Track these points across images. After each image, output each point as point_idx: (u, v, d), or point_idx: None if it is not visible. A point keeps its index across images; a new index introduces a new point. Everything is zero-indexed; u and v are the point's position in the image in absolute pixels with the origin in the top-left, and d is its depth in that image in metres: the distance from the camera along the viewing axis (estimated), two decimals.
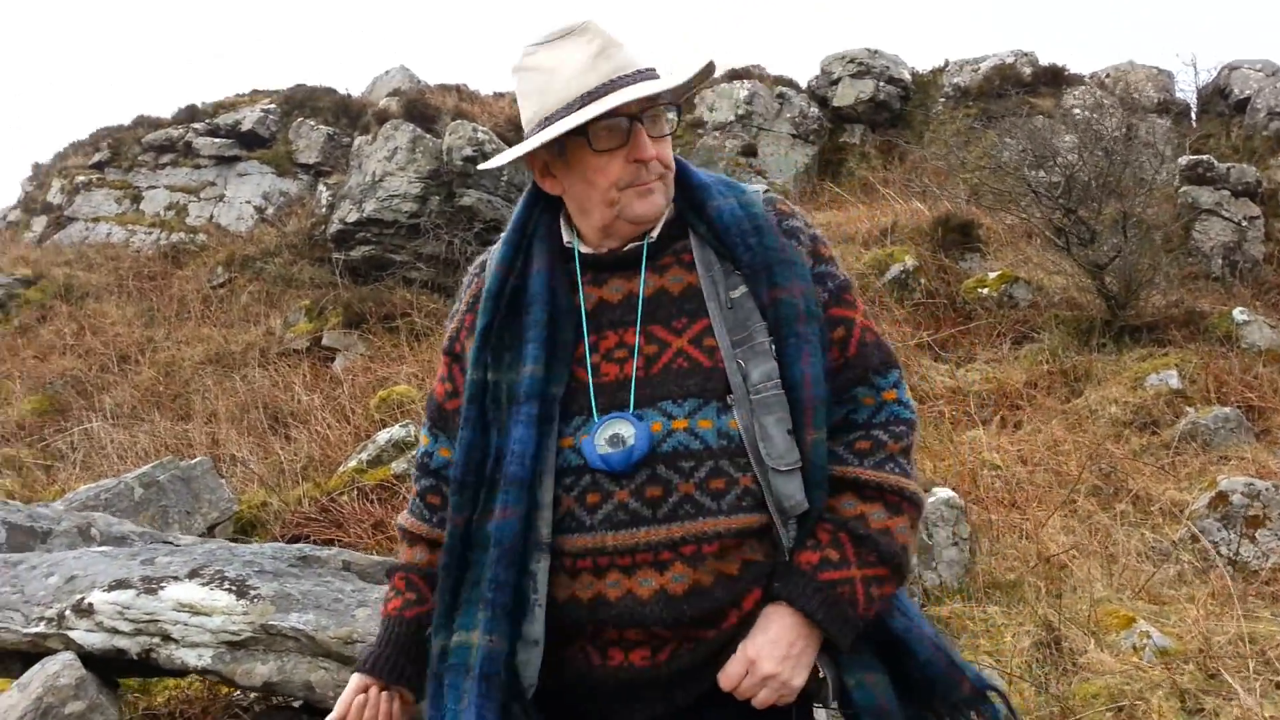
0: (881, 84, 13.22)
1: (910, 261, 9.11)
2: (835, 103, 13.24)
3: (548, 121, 1.49)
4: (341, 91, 13.88)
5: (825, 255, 1.55)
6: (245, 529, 6.08)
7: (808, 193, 12.20)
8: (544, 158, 1.54)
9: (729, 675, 1.42)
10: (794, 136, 12.83)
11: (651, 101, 1.49)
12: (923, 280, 8.96)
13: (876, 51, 13.55)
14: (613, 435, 1.44)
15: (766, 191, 1.62)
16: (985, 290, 8.74)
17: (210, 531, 5.99)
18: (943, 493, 4.69)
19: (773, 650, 1.41)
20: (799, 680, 1.42)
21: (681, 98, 1.58)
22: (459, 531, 1.49)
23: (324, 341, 8.95)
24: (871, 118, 13.19)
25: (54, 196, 13.36)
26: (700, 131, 12.89)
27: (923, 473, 5.44)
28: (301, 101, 13.36)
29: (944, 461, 5.93)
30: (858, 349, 1.51)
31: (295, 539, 5.64)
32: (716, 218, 1.52)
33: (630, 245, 1.53)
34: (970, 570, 4.56)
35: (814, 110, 13.08)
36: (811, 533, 1.45)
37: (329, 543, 5.34)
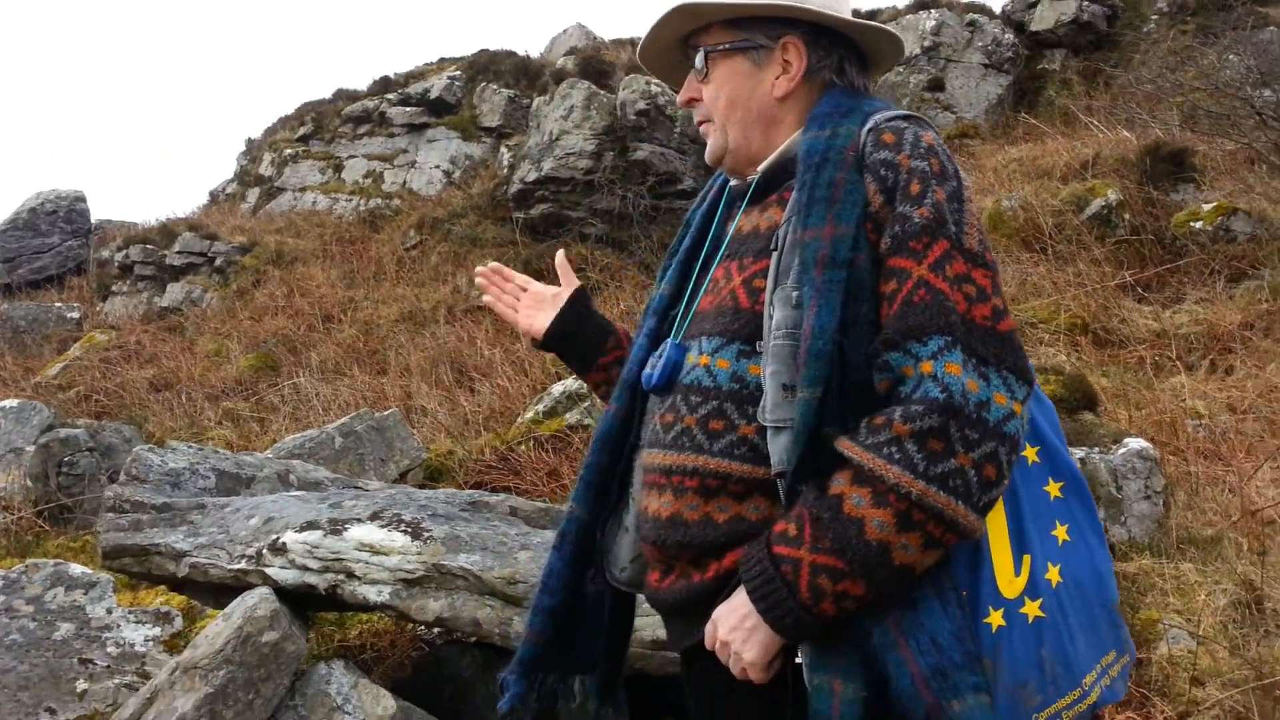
0: (1085, 3, 12.23)
1: (1113, 195, 8.45)
2: (1033, 27, 12.38)
3: None
4: (521, 54, 14.23)
5: (913, 193, 1.33)
6: (433, 476, 6.45)
7: (1001, 125, 11.53)
8: None
9: (705, 634, 1.39)
10: (986, 66, 12.11)
11: (694, 46, 1.54)
12: (1126, 215, 8.30)
13: None
14: (655, 360, 1.52)
15: (893, 119, 1.42)
16: (1199, 224, 8.00)
17: (402, 478, 6.39)
18: (1135, 443, 4.39)
19: (729, 617, 1.34)
20: (750, 655, 1.32)
21: (708, 37, 1.53)
22: None
23: None
24: (1074, 41, 12.26)
25: (265, 169, 14.43)
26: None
27: (1116, 422, 5.10)
28: (485, 66, 13.77)
29: (1141, 410, 5.53)
30: (900, 306, 1.30)
31: (477, 485, 5.95)
32: (799, 153, 1.44)
33: (750, 179, 1.55)
34: (1163, 525, 4.25)
35: (1009, 37, 12.28)
36: (793, 500, 1.33)
37: (506, 489, 5.60)
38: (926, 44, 12.10)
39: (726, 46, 1.51)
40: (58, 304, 12.58)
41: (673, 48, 1.59)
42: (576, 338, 1.76)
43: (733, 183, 1.60)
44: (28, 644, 3.70)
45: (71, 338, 11.72)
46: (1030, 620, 1.32)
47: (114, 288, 12.78)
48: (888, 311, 1.31)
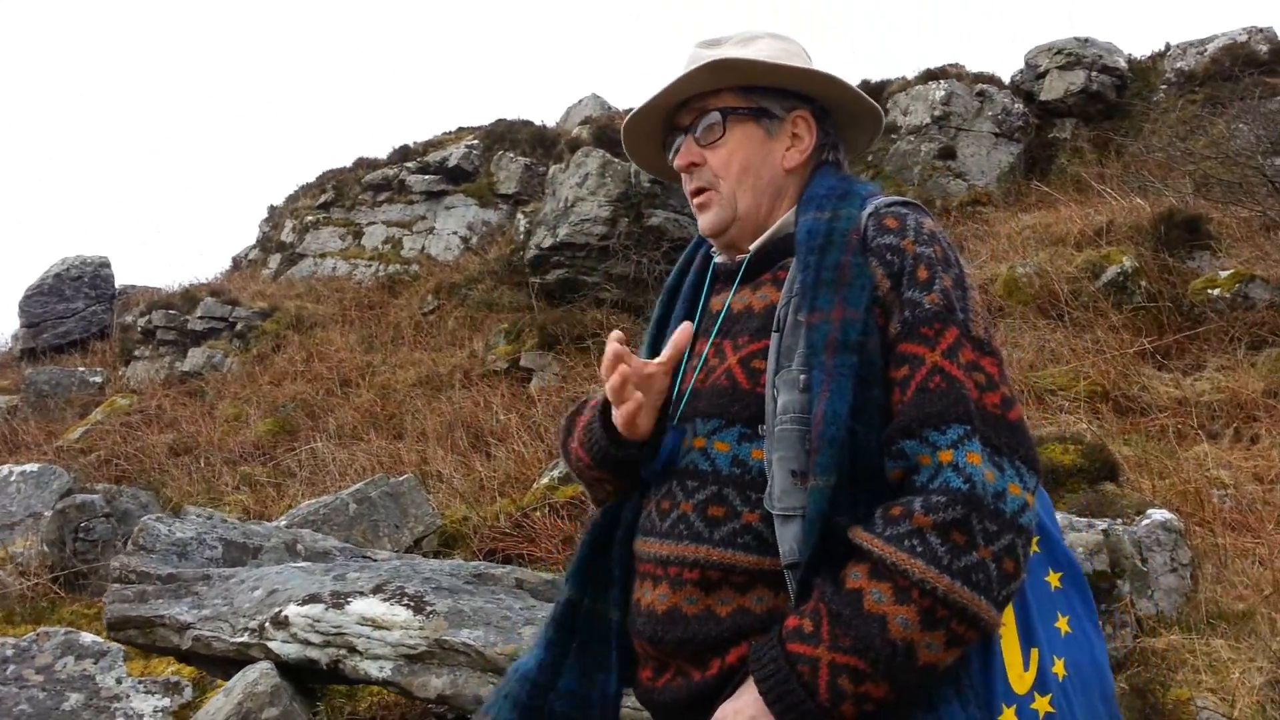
0: (1094, 74, 12.38)
1: (1128, 262, 8.44)
2: (1042, 97, 12.51)
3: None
4: (537, 123, 14.49)
5: (921, 279, 1.32)
6: (448, 542, 6.40)
7: (1013, 193, 11.59)
8: None
9: None
10: (997, 135, 12.23)
11: (700, 110, 1.49)
12: (1143, 282, 8.28)
13: (1087, 40, 12.71)
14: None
15: (892, 204, 1.41)
16: (1216, 291, 7.96)
17: (416, 544, 6.35)
18: (1158, 514, 4.30)
19: (734, 717, 1.26)
20: None
21: (729, 99, 1.48)
22: None
23: (521, 362, 9.32)
24: (1083, 110, 12.38)
25: (287, 236, 14.66)
26: (894, 137, 12.52)
27: (1139, 493, 5.00)
28: (502, 135, 14.03)
29: (1164, 480, 5.44)
30: (915, 394, 1.26)
31: (491, 552, 5.90)
32: (798, 234, 1.42)
33: (740, 258, 1.51)
34: (1192, 599, 4.15)
35: (1018, 106, 12.42)
36: (808, 594, 1.26)
37: (520, 556, 5.55)
38: (937, 113, 12.24)
39: (744, 111, 1.47)
40: (81, 368, 12.71)
41: (657, 120, 1.55)
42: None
43: (718, 259, 1.56)
44: (36, 714, 3.65)
45: (94, 402, 11.81)
46: (1041, 716, 1.29)
47: (136, 352, 12.90)
48: (900, 398, 1.28)
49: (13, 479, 7.49)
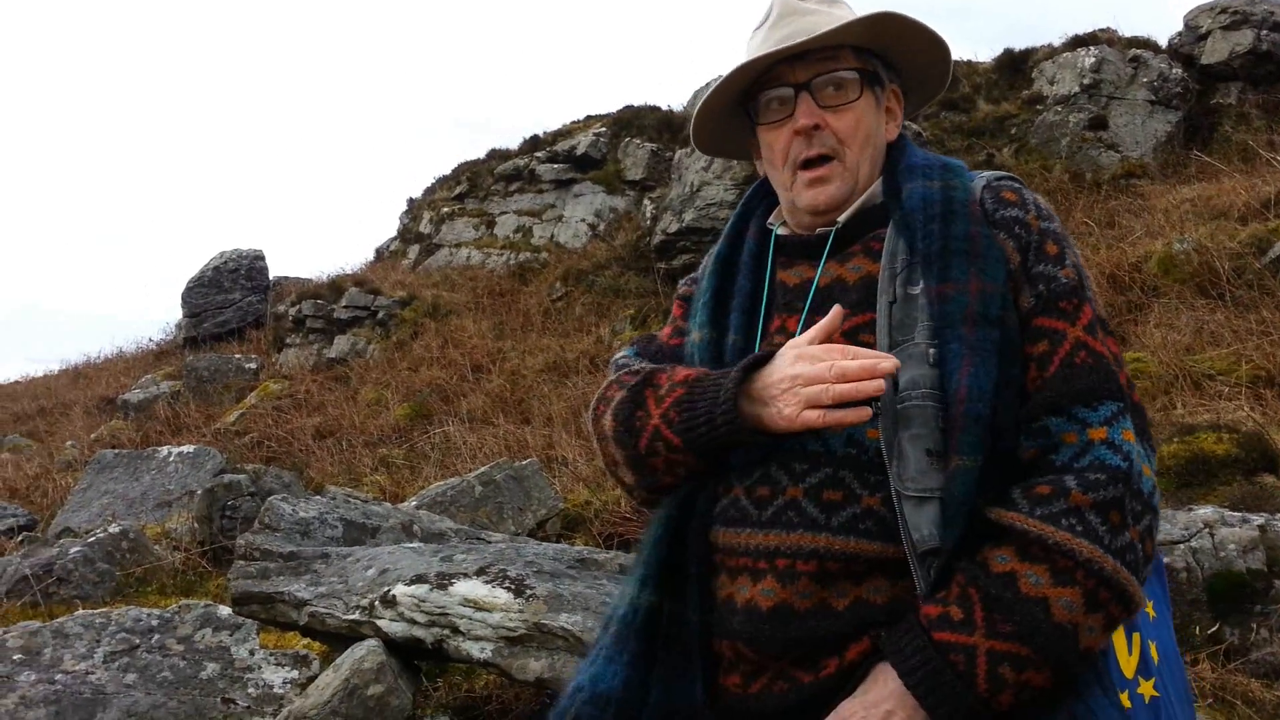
0: (1264, 32, 11.43)
1: None
2: (1204, 60, 11.66)
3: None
4: (664, 108, 14.47)
5: (1051, 253, 1.28)
6: (570, 525, 6.47)
7: (1171, 164, 10.86)
8: (754, 138, 1.47)
9: None
10: (1153, 103, 11.47)
11: (822, 68, 1.36)
12: None
13: None
14: None
15: (1002, 179, 1.36)
16: None
17: (540, 527, 6.45)
18: None
19: (864, 715, 1.16)
20: None
21: (873, 63, 1.40)
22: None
23: None
24: (1251, 73, 11.46)
25: (424, 227, 15.15)
26: (1040, 108, 11.91)
27: None
28: (629, 122, 14.09)
29: None
30: (1059, 369, 1.22)
31: (611, 536, 5.93)
32: (905, 201, 1.32)
33: (820, 230, 1.41)
34: None
35: (1177, 71, 11.61)
36: (945, 581, 1.18)
37: (639, 541, 5.54)
38: (1086, 81, 11.57)
39: (869, 74, 1.39)
40: (237, 355, 13.48)
41: (737, 89, 1.42)
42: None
43: (780, 230, 1.46)
44: (177, 681, 3.87)
45: (249, 387, 12.51)
46: (1147, 700, 1.26)
47: (288, 340, 13.59)
48: (1038, 374, 1.23)
49: (171, 459, 7.98)
